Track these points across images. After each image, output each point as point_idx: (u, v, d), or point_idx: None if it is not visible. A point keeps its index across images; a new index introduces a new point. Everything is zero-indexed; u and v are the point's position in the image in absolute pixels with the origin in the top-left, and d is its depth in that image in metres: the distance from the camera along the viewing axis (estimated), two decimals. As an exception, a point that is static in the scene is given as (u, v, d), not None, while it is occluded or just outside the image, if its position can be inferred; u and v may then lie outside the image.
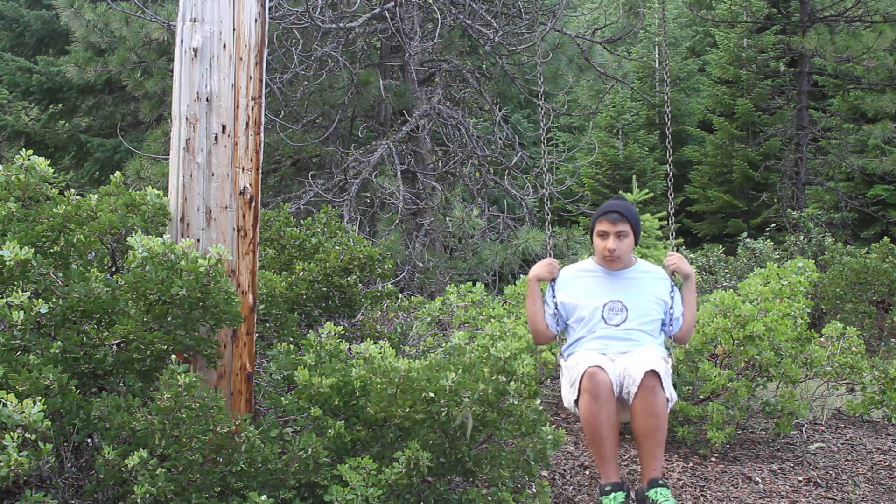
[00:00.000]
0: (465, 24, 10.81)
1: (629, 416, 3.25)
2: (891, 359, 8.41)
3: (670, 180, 4.29)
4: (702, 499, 4.87)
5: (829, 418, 6.61)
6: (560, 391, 3.60)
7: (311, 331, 4.47)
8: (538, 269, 3.59)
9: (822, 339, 6.44)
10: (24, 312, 3.27)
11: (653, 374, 3.10)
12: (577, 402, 3.25)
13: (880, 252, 10.31)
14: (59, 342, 3.41)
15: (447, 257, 11.10)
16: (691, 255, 12.62)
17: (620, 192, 12.76)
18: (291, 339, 4.54)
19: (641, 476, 3.22)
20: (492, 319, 6.06)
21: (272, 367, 4.14)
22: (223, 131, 3.76)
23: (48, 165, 3.98)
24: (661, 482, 3.12)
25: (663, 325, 3.56)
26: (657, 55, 19.93)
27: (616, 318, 3.40)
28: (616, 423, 3.15)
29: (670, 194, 4.25)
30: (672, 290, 3.55)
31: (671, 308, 3.51)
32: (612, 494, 3.13)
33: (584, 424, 3.19)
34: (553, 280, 3.62)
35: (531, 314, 3.63)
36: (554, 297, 3.58)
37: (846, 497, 4.94)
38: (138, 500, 3.20)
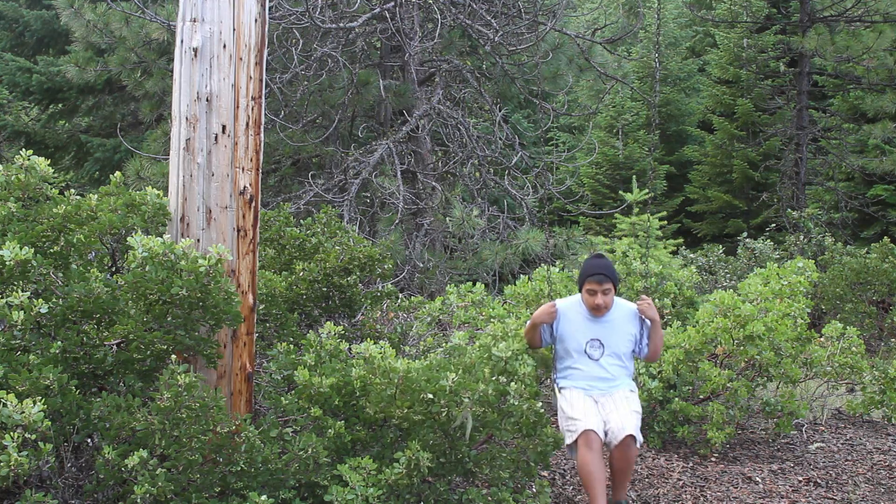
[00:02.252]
0: (465, 24, 10.81)
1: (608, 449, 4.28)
2: (891, 359, 8.41)
3: (650, 180, 4.37)
4: (702, 499, 4.87)
5: (829, 418, 6.61)
6: (555, 410, 4.52)
7: (311, 331, 4.47)
8: (542, 317, 4.43)
9: (822, 339, 6.43)
10: (24, 312, 3.27)
11: (630, 437, 4.07)
12: (570, 446, 4.20)
13: (880, 252, 10.29)
14: (59, 342, 3.41)
15: (447, 257, 11.10)
16: (691, 255, 12.62)
17: (620, 191, 12.76)
18: (291, 339, 4.54)
19: (613, 493, 4.31)
20: (492, 319, 6.06)
21: (272, 367, 4.14)
22: (223, 131, 3.76)
23: (48, 165, 3.98)
24: (623, 503, 4.32)
25: (633, 352, 4.49)
26: (656, 55, 19.92)
27: (595, 353, 4.37)
28: (604, 469, 4.09)
29: (649, 189, 4.42)
30: (641, 326, 4.47)
31: (640, 338, 4.48)
32: None
33: (580, 470, 4.09)
34: (553, 321, 4.49)
35: (531, 340, 4.52)
36: (552, 333, 4.50)
37: (846, 497, 4.94)
38: (138, 500, 3.20)
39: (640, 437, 4.16)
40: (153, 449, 3.32)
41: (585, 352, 4.35)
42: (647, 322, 4.46)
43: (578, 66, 12.44)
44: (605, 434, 4.14)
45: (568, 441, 4.19)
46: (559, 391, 4.41)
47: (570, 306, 4.47)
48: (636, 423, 4.15)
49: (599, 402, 4.27)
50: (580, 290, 4.44)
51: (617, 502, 4.30)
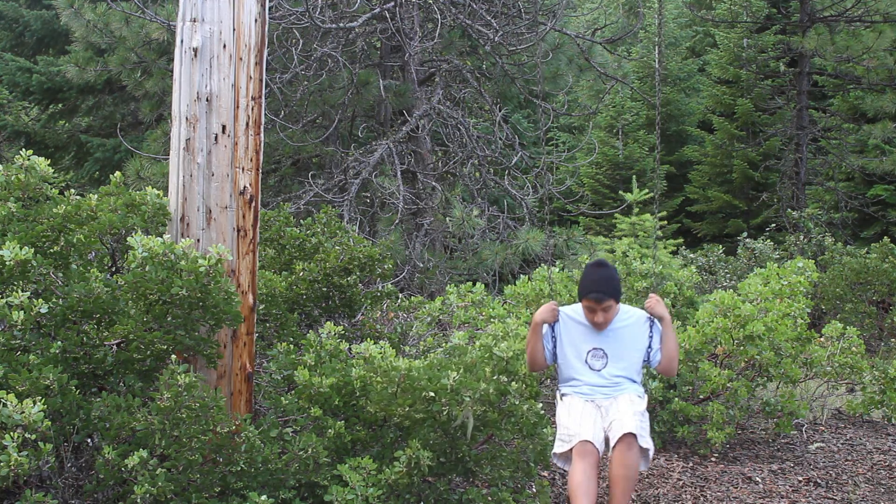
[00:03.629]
0: (465, 24, 10.82)
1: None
2: (891, 359, 8.41)
3: (657, 186, 4.34)
4: (702, 499, 4.87)
5: (829, 418, 6.61)
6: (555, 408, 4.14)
7: (311, 331, 4.47)
8: (544, 314, 4.04)
9: (822, 339, 6.43)
10: (24, 312, 3.27)
11: (629, 435, 3.64)
12: (557, 455, 3.85)
13: (880, 252, 10.30)
14: (59, 342, 3.41)
15: (447, 257, 11.10)
16: (691, 255, 12.63)
17: (620, 191, 12.76)
18: (291, 339, 4.54)
19: None
20: (492, 319, 6.06)
21: (272, 367, 4.14)
22: (223, 131, 3.76)
23: (48, 165, 3.98)
24: None
25: (644, 362, 4.07)
26: (657, 55, 19.93)
27: (598, 363, 3.98)
28: (596, 487, 3.61)
29: (656, 197, 4.35)
30: (651, 331, 4.05)
31: (650, 347, 4.05)
32: None
33: (570, 482, 3.66)
34: (554, 322, 4.09)
35: (533, 350, 4.07)
36: (553, 336, 4.09)
37: (846, 497, 4.94)
38: (138, 500, 3.20)
39: (647, 444, 3.72)
40: (153, 449, 3.32)
41: (587, 362, 3.99)
42: (658, 325, 4.06)
43: (578, 66, 12.45)
44: (606, 440, 3.76)
45: (557, 449, 3.83)
46: (560, 398, 4.07)
47: (573, 312, 4.12)
48: (639, 424, 3.72)
49: (602, 407, 3.91)
50: (579, 299, 4.05)
51: None
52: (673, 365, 4.06)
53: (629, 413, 3.75)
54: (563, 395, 4.05)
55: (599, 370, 3.95)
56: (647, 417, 3.86)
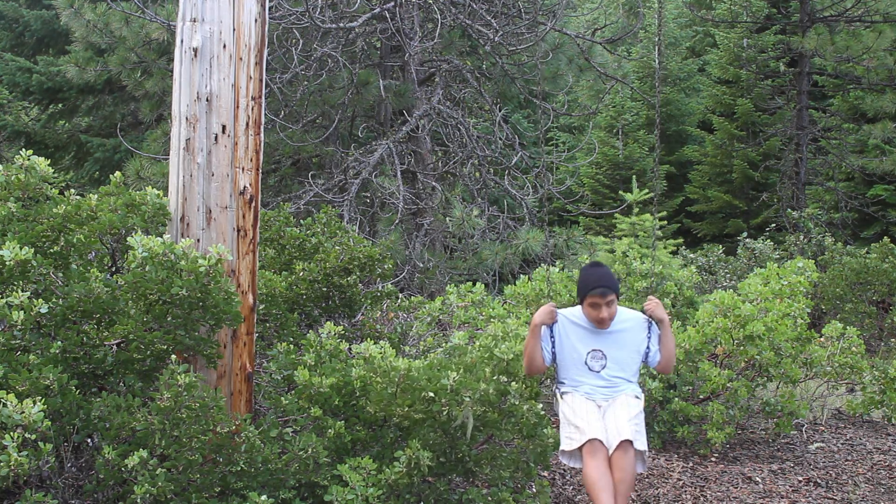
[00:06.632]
0: (465, 24, 10.81)
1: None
2: (891, 359, 8.41)
3: (657, 184, 4.36)
4: (702, 499, 4.86)
5: (829, 418, 6.61)
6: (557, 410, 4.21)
7: (311, 331, 4.47)
8: (542, 316, 4.09)
9: (822, 339, 6.43)
10: (24, 312, 3.27)
11: (626, 442, 3.81)
12: (564, 452, 3.95)
13: (880, 252, 10.30)
14: (59, 342, 3.41)
15: (447, 257, 11.10)
16: (691, 255, 12.62)
17: (620, 191, 12.76)
18: (291, 339, 4.54)
19: None
20: (492, 319, 6.06)
21: (272, 367, 4.14)
22: (223, 131, 3.76)
23: (48, 165, 3.98)
24: None
25: (642, 361, 4.18)
26: (656, 55, 19.93)
27: (596, 364, 4.08)
28: (611, 479, 3.77)
29: (655, 199, 4.33)
30: (649, 332, 4.16)
31: (648, 348, 4.16)
32: None
33: (586, 480, 3.80)
34: (553, 323, 4.14)
35: (531, 353, 4.09)
36: (552, 337, 4.15)
37: (846, 497, 4.94)
38: (138, 500, 3.20)
39: (642, 447, 3.88)
40: (153, 449, 3.32)
41: (586, 363, 4.08)
42: (655, 327, 4.18)
43: (578, 66, 12.44)
44: (607, 440, 3.90)
45: (565, 447, 3.94)
46: (561, 397, 4.14)
47: (571, 314, 4.20)
48: (634, 430, 3.87)
49: (601, 408, 4.02)
50: (581, 304, 4.13)
51: None
52: (670, 364, 4.22)
53: (625, 419, 3.89)
54: (563, 393, 4.12)
55: (598, 371, 4.06)
56: (642, 418, 3.99)
